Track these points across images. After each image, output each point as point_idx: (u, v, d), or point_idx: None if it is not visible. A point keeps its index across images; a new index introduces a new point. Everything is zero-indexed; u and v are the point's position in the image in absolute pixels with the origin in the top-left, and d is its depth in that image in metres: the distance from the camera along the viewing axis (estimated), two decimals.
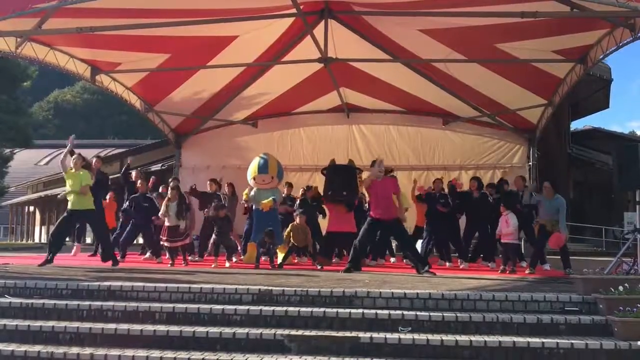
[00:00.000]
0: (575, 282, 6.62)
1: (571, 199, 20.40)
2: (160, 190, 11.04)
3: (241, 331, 5.45)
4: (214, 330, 5.48)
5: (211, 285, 6.37)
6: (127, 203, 10.85)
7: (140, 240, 12.00)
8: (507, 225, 9.48)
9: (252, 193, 10.03)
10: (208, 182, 11.66)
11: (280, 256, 10.11)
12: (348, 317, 5.68)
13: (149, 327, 5.59)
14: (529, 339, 5.32)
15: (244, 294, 6.19)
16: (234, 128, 15.12)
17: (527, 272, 9.23)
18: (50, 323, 5.74)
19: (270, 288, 6.24)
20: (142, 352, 5.19)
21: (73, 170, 9.02)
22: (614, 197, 18.12)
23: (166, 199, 9.93)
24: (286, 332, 5.43)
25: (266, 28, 11.08)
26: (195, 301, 6.16)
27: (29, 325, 5.69)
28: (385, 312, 5.73)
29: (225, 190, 11.56)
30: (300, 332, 5.44)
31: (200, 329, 5.51)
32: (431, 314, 5.70)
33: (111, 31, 9.75)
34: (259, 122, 15.04)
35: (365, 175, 10.76)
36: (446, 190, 11.06)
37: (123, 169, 11.95)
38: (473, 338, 5.33)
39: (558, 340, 5.29)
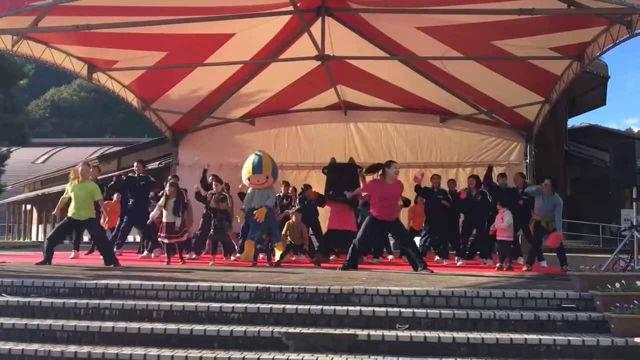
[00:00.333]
0: (572, 279, 6.64)
1: (568, 196, 20.45)
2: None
3: (239, 329, 5.45)
4: (211, 328, 5.48)
5: (209, 283, 6.38)
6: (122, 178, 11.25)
7: (137, 239, 11.95)
8: (502, 221, 9.50)
9: (248, 192, 10.01)
10: (213, 183, 11.58)
11: (277, 254, 10.11)
12: (346, 315, 5.69)
13: (147, 326, 5.59)
14: (526, 336, 5.34)
15: (242, 291, 6.19)
16: (231, 126, 15.09)
17: (524, 269, 9.27)
18: (48, 322, 5.74)
19: (267, 286, 6.24)
20: (139, 351, 5.19)
21: (80, 179, 9.06)
22: (610, 194, 18.12)
23: (164, 195, 9.90)
24: (284, 329, 5.43)
25: (263, 26, 11.05)
26: (192, 299, 6.16)
27: (26, 324, 5.68)
28: (383, 309, 5.73)
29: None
30: (298, 330, 5.45)
31: (198, 327, 5.51)
32: (428, 311, 5.71)
33: (108, 29, 9.74)
34: (256, 120, 15.01)
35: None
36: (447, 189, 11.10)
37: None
38: (470, 335, 5.34)
39: (555, 337, 5.31)
